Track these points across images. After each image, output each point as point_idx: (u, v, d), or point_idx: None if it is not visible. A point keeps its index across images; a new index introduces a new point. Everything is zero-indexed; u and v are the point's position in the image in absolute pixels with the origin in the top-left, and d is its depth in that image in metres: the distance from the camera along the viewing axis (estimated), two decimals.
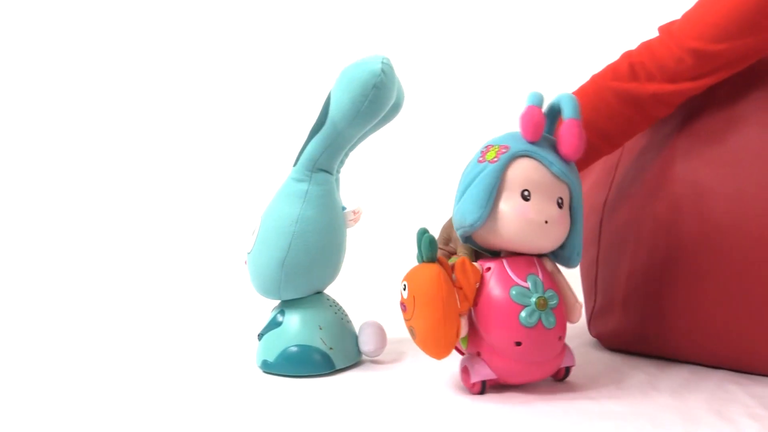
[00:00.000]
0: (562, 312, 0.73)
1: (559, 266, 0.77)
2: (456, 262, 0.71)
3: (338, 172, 0.89)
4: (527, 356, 0.71)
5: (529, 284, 0.71)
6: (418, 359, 0.88)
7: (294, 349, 0.82)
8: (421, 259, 0.70)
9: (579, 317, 0.76)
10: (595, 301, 0.93)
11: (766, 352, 0.77)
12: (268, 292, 0.85)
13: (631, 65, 0.81)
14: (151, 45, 1.74)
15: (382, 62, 0.77)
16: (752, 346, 0.77)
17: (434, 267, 0.69)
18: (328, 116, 0.80)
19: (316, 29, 1.71)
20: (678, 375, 0.80)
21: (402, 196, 1.57)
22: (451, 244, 0.84)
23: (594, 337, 0.94)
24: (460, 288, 0.70)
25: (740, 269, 0.76)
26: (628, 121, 0.82)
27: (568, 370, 0.77)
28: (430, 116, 1.62)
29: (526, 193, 0.71)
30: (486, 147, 0.74)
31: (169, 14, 1.75)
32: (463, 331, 0.71)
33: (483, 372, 0.72)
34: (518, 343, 0.70)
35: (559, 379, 0.77)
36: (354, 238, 0.96)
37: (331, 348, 0.83)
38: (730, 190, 0.77)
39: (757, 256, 0.75)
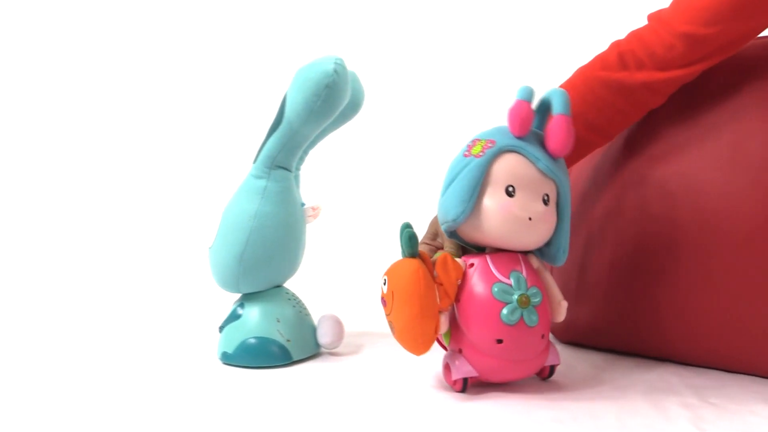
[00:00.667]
0: (546, 310, 0.73)
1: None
2: (437, 258, 0.70)
3: (298, 169, 0.91)
4: (508, 354, 0.70)
5: (511, 281, 0.70)
6: (376, 352, 0.91)
7: (252, 341, 0.85)
8: (404, 254, 0.70)
9: (563, 316, 0.75)
10: None
11: (706, 345, 0.79)
12: (227, 285, 0.88)
13: (620, 54, 0.79)
14: (113, 44, 1.77)
15: (335, 62, 0.79)
16: (694, 339, 0.80)
17: (414, 262, 0.68)
18: (284, 115, 0.83)
19: (290, 29, 1.73)
20: (623, 367, 0.83)
21: (363, 191, 1.59)
22: (439, 239, 0.83)
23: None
24: (441, 284, 0.69)
25: (684, 265, 0.78)
26: (619, 112, 0.81)
27: (552, 368, 0.76)
28: (405, 112, 1.64)
29: (510, 189, 0.70)
30: (472, 141, 0.73)
31: (128, 13, 1.78)
32: (443, 327, 0.71)
33: (464, 369, 0.72)
34: (499, 341, 0.69)
35: (543, 377, 0.77)
36: (318, 233, 0.98)
37: (288, 340, 0.85)
38: (685, 189, 0.79)
39: (701, 252, 0.77)
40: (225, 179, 0.99)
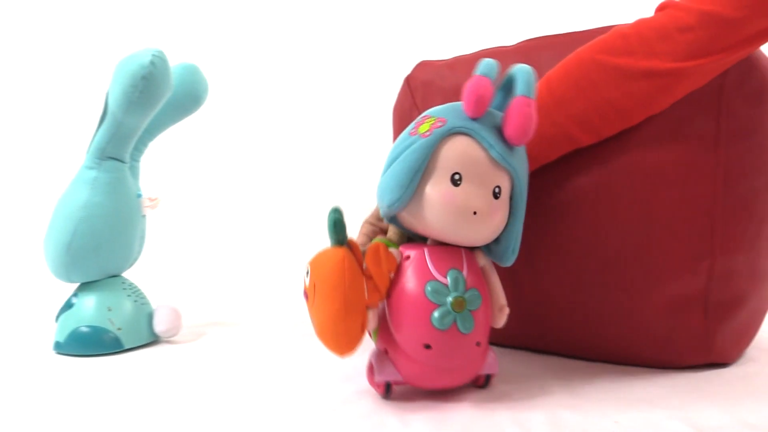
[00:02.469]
0: (486, 315, 0.64)
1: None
2: (368, 247, 0.62)
3: (136, 160, 0.93)
4: (436, 361, 0.62)
5: (448, 281, 0.61)
6: (212, 340, 0.92)
7: (83, 329, 0.86)
8: (331, 242, 0.61)
9: (502, 323, 0.67)
10: None
11: (526, 330, 0.82)
12: (58, 274, 0.89)
13: (625, 36, 0.67)
14: None
15: (153, 54, 0.81)
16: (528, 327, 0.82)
17: (339, 252, 0.59)
18: (108, 107, 0.84)
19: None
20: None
21: (217, 181, 1.61)
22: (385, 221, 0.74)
23: None
24: (370, 277, 0.61)
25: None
26: (613, 107, 0.68)
27: (488, 377, 0.69)
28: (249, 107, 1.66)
29: (456, 176, 0.61)
30: (422, 118, 0.64)
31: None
32: (371, 324, 0.62)
33: (388, 372, 0.64)
34: (427, 346, 0.61)
35: (479, 385, 0.69)
36: (179, 224, 0.99)
37: (119, 328, 0.87)
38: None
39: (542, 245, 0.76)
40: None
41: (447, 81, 0.93)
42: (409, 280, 0.62)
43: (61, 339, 0.87)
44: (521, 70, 0.61)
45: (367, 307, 0.61)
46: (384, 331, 0.65)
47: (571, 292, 0.77)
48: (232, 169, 1.61)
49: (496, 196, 0.62)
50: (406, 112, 1.01)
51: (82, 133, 0.94)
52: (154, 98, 0.83)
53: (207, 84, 0.95)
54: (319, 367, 0.78)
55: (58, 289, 1.07)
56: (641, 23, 0.68)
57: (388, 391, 0.65)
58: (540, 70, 0.82)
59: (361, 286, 0.60)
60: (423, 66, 0.99)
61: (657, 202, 0.73)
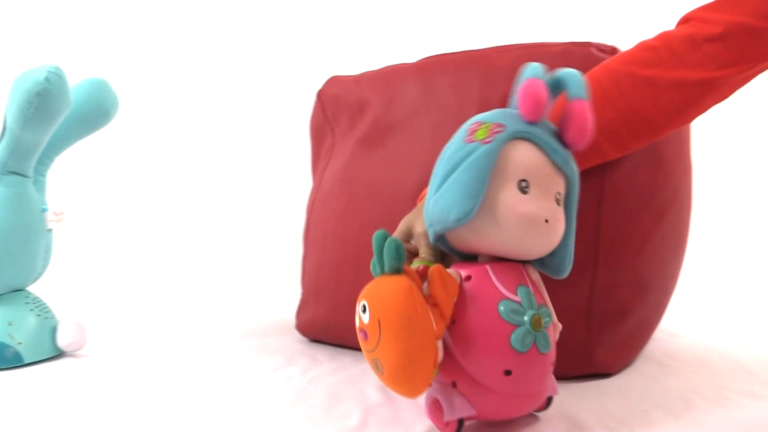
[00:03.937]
0: (552, 332, 0.60)
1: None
2: (431, 271, 0.55)
3: (42, 174, 0.92)
4: (517, 388, 0.56)
5: (520, 298, 0.57)
6: (117, 354, 0.93)
7: None
8: (381, 270, 0.54)
9: (556, 339, 0.63)
10: (301, 295, 0.99)
11: None
12: None
13: (653, 48, 0.67)
14: None
15: (48, 71, 0.81)
16: None
17: (403, 281, 0.53)
18: (6, 123, 0.85)
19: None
20: (342, 360, 0.87)
21: (134, 194, 1.62)
22: (413, 241, 0.68)
23: (297, 329, 1.00)
24: (435, 305, 0.54)
25: None
26: (640, 118, 0.67)
27: (550, 399, 0.64)
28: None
29: (524, 184, 0.57)
30: (474, 124, 0.60)
31: None
32: (439, 356, 0.55)
33: (460, 408, 0.57)
34: (507, 372, 0.56)
35: (538, 410, 0.64)
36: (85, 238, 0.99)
37: (20, 343, 0.87)
38: (387, 188, 0.84)
39: None
40: None
41: (352, 96, 0.95)
42: (476, 302, 0.57)
43: None
44: (571, 73, 0.59)
45: (436, 339, 0.54)
46: (448, 362, 0.57)
47: None
48: (142, 183, 1.61)
49: (558, 202, 0.59)
50: (319, 126, 1.03)
51: None
52: (50, 114, 0.83)
53: (116, 98, 0.96)
54: (232, 379, 0.79)
55: None
56: (667, 35, 0.68)
57: (459, 429, 0.58)
58: (435, 86, 0.85)
59: (429, 317, 0.53)
60: (333, 81, 1.01)
61: None
